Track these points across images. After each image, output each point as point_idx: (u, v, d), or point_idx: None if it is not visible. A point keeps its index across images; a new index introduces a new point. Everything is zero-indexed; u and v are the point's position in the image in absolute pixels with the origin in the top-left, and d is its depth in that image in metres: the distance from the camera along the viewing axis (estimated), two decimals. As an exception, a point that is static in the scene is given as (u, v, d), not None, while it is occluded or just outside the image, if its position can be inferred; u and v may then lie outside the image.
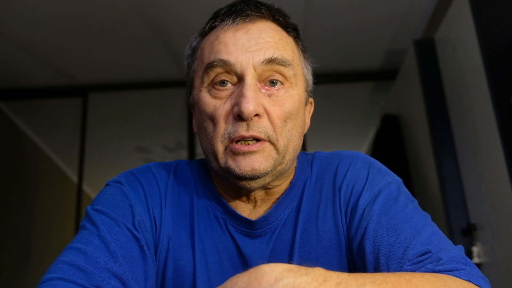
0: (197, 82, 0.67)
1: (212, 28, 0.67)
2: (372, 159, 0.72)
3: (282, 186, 0.69)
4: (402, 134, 2.59)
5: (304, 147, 2.97)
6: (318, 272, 0.41)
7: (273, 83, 0.64)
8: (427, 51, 2.19)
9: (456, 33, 1.92)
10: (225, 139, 0.62)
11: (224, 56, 0.62)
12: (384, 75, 3.08)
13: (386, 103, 2.97)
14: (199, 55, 0.68)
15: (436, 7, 2.37)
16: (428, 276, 0.48)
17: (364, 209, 0.64)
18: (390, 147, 2.60)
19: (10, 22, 2.39)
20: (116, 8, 2.31)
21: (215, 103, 0.63)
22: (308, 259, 0.64)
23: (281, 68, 0.63)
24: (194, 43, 0.71)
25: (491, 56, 1.62)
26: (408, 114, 2.48)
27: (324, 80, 3.06)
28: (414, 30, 2.60)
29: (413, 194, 0.71)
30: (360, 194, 0.65)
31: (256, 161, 0.61)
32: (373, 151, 2.76)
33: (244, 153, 0.61)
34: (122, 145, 3.86)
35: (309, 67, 0.72)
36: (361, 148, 4.06)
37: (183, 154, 3.65)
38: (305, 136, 0.72)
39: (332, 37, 2.66)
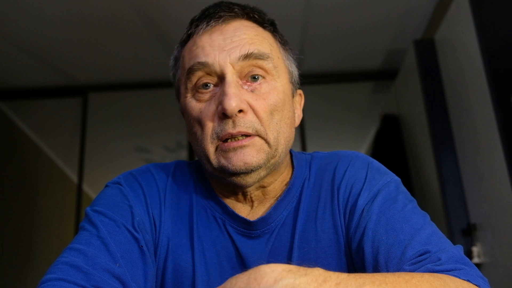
0: (182, 90, 0.69)
1: (189, 35, 0.69)
2: (371, 159, 0.72)
3: (276, 184, 0.69)
4: (402, 134, 2.59)
5: (304, 147, 2.96)
6: (318, 273, 0.41)
7: (254, 78, 0.64)
8: (427, 51, 2.19)
9: (456, 33, 1.92)
10: (214, 139, 0.63)
11: (202, 59, 0.64)
12: (384, 75, 3.08)
13: (386, 103, 2.97)
14: (181, 64, 0.69)
15: (436, 7, 2.37)
16: (427, 276, 0.49)
17: (363, 209, 0.64)
18: (390, 147, 2.59)
19: (10, 22, 2.39)
20: (116, 8, 2.31)
21: (200, 106, 0.64)
22: (307, 260, 0.64)
23: (260, 62, 0.64)
24: (176, 53, 0.72)
25: (491, 56, 1.62)
26: (408, 114, 2.48)
27: (324, 80, 3.05)
28: (414, 30, 2.60)
29: (413, 194, 0.71)
30: (359, 194, 0.65)
31: (247, 155, 0.61)
32: (373, 151, 2.76)
33: (234, 149, 0.61)
34: (122, 145, 3.85)
35: (291, 59, 0.72)
36: (361, 148, 4.06)
37: (183, 154, 3.65)
38: (305, 136, 0.72)
39: (332, 37, 2.66)
